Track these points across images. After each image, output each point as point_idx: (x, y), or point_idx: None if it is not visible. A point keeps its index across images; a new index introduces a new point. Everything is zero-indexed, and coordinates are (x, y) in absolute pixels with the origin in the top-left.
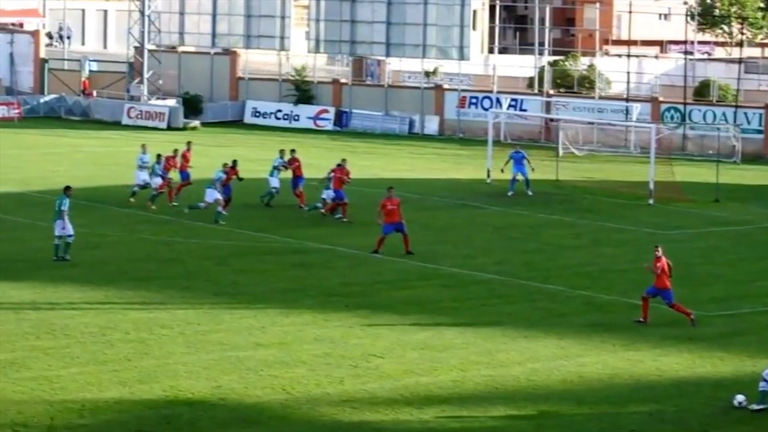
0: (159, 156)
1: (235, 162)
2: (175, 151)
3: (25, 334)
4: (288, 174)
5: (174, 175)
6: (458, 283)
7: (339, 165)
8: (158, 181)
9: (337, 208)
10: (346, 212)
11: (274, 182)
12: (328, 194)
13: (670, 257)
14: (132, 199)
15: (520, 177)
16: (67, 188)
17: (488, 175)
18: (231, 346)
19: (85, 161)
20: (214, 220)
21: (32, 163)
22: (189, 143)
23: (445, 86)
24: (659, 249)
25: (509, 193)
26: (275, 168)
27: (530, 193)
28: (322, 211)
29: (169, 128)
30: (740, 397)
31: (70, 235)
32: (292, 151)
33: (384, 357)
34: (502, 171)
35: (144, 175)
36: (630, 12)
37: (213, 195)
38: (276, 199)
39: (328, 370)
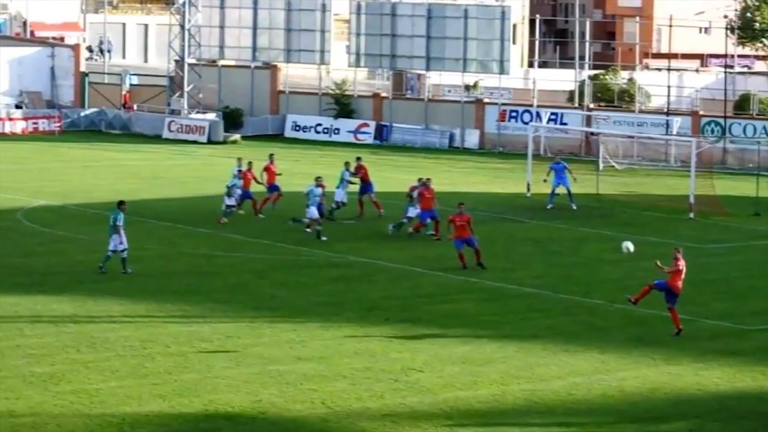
0: (240, 171)
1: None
2: (250, 163)
3: (65, 347)
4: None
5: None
6: (498, 297)
7: (423, 184)
8: (232, 200)
9: (425, 227)
10: (439, 230)
11: (339, 195)
12: (413, 212)
13: (709, 271)
14: (240, 211)
15: (560, 190)
16: (122, 203)
17: (528, 189)
18: (271, 359)
19: (126, 175)
20: (317, 236)
21: (73, 177)
22: (271, 156)
23: (486, 100)
24: (680, 251)
25: (548, 207)
26: (343, 181)
27: (574, 207)
28: (410, 229)
29: (210, 142)
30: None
31: (124, 249)
32: (358, 158)
33: (424, 371)
34: (545, 181)
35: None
36: (670, 26)
37: (313, 213)
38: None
39: (368, 384)
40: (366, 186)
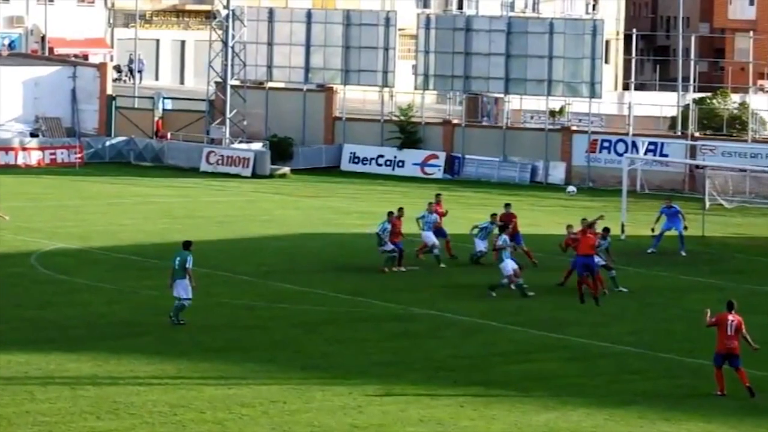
0: (390, 214)
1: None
2: (400, 210)
3: (83, 413)
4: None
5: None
6: (586, 356)
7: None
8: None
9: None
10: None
11: (480, 245)
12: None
13: None
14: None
15: (672, 232)
16: (189, 243)
17: (622, 231)
18: (322, 428)
19: (157, 213)
20: (521, 292)
21: (95, 216)
22: (438, 195)
23: (573, 128)
24: (732, 305)
25: (649, 251)
26: (481, 229)
27: (684, 253)
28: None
29: (254, 176)
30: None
31: (180, 298)
32: (507, 205)
33: None
34: (653, 230)
35: (431, 236)
36: None
37: (509, 266)
38: (373, 260)
39: None
40: (514, 238)
